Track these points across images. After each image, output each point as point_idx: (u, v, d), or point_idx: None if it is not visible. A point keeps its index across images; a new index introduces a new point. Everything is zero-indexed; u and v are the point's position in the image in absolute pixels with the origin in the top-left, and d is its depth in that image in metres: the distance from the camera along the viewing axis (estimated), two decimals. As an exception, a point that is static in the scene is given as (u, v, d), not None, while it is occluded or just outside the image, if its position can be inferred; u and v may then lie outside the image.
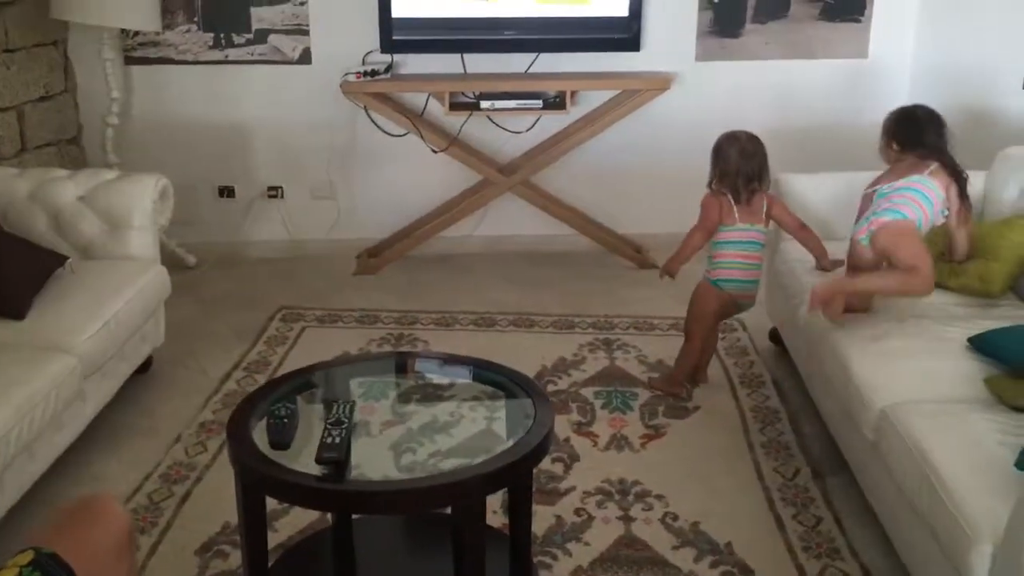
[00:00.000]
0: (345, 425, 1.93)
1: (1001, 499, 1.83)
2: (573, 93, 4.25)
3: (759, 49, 4.45)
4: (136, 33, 4.25)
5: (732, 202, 3.05)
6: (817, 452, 2.87)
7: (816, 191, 3.39)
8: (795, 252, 3.21)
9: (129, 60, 4.32)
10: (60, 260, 2.99)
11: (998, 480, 1.93)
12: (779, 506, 2.60)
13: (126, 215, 3.21)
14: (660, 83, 4.25)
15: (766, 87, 4.50)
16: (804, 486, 2.70)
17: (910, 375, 2.42)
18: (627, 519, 2.54)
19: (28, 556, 1.48)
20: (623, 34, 4.22)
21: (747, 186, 3.04)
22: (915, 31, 4.46)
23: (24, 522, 2.43)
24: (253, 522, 2.00)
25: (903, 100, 4.50)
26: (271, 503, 2.08)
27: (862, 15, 4.44)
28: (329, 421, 1.94)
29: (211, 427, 3.01)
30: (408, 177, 4.53)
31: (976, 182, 3.04)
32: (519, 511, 2.17)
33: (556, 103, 4.25)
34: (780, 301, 3.31)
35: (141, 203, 3.22)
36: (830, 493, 2.66)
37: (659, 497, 2.63)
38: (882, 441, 2.28)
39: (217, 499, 2.59)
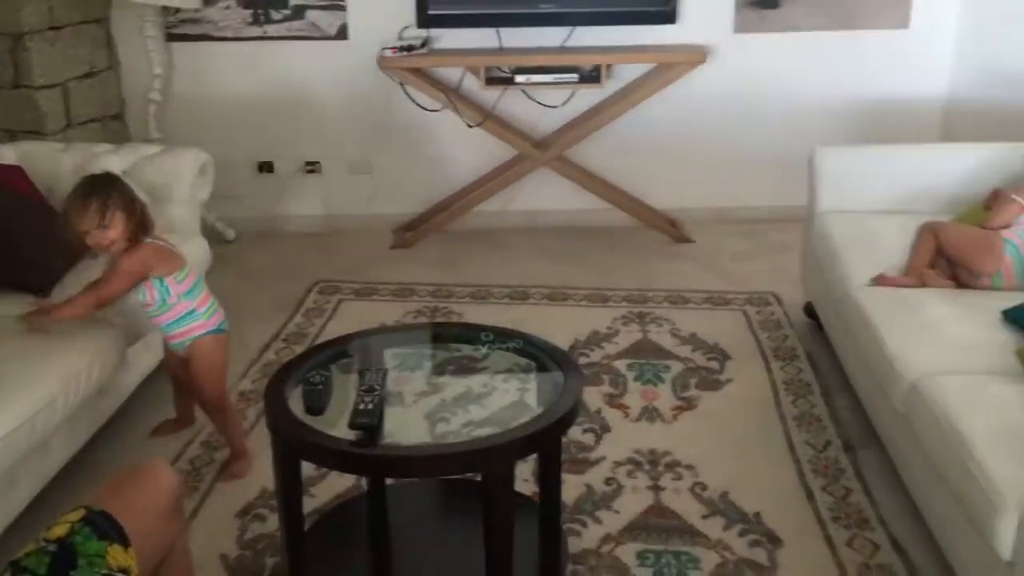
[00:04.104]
0: (378, 392, 1.98)
1: (1029, 470, 1.83)
2: (608, 67, 4.23)
3: (799, 20, 4.39)
4: (177, 10, 4.31)
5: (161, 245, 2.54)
6: (849, 425, 2.87)
7: (855, 165, 3.35)
8: (830, 227, 3.19)
9: (170, 37, 4.39)
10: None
11: (1027, 451, 1.92)
12: (809, 477, 2.62)
13: (167, 189, 3.28)
14: (696, 56, 4.22)
15: (804, 59, 4.44)
16: (835, 458, 2.70)
17: (942, 347, 2.41)
18: (656, 488, 2.57)
19: (79, 513, 1.55)
20: (659, 7, 4.19)
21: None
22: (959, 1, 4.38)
23: (70, 485, 2.51)
24: (289, 486, 2.06)
25: (945, 72, 4.46)
26: (307, 470, 2.14)
27: (904, -16, 4.36)
28: (362, 388, 1.99)
29: (250, 396, 3.09)
30: (444, 152, 4.57)
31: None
32: (549, 479, 2.20)
33: (591, 77, 4.25)
34: (814, 275, 3.29)
35: (182, 178, 3.29)
36: (861, 465, 2.67)
37: (689, 467, 2.66)
38: (912, 413, 2.28)
39: (255, 466, 2.66)
